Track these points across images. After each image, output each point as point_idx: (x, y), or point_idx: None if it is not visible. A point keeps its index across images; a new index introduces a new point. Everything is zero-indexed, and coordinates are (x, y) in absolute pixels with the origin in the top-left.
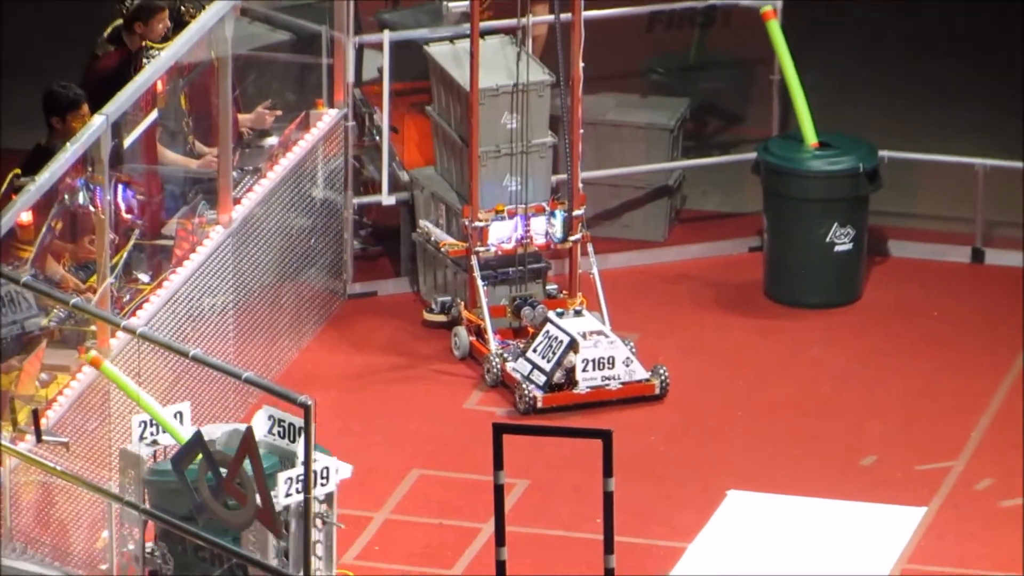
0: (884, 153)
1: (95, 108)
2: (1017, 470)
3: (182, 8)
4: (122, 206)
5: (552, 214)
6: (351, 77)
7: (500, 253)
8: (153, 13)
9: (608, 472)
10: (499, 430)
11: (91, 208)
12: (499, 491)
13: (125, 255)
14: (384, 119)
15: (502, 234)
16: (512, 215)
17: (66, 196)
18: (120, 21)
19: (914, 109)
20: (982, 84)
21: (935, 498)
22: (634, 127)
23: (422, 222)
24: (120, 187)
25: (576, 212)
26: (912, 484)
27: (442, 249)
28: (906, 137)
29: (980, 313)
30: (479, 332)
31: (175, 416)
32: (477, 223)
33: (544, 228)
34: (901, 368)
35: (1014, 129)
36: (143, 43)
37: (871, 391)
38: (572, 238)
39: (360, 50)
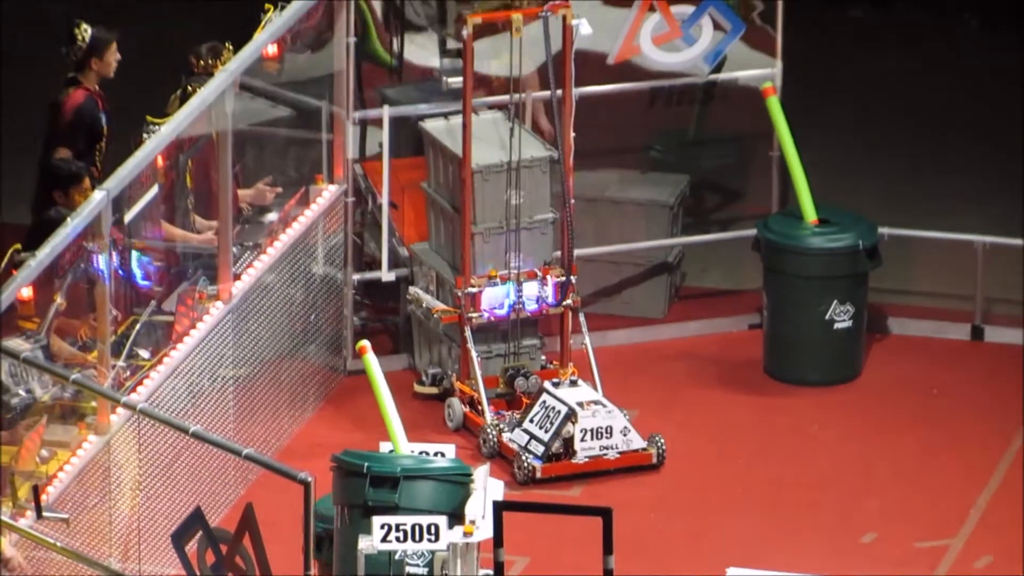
0: (884, 230)
1: (71, 145)
2: (1016, 548)
3: (188, 87)
4: (138, 273)
5: (544, 279)
6: (351, 153)
7: (493, 319)
8: (106, 45)
9: (608, 550)
10: (499, 507)
11: (100, 272)
12: (499, 568)
13: (135, 332)
14: (384, 194)
15: (495, 300)
16: (505, 280)
17: (81, 264)
18: (71, 72)
19: (913, 183)
20: (980, 159)
21: None
22: (634, 204)
23: (412, 288)
24: (134, 254)
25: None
26: (911, 561)
27: (434, 315)
28: (905, 211)
29: (980, 390)
30: (472, 403)
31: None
32: (470, 289)
33: (536, 293)
34: (900, 444)
35: (1013, 205)
36: (97, 85)
37: (870, 467)
38: (565, 302)
39: (363, 125)
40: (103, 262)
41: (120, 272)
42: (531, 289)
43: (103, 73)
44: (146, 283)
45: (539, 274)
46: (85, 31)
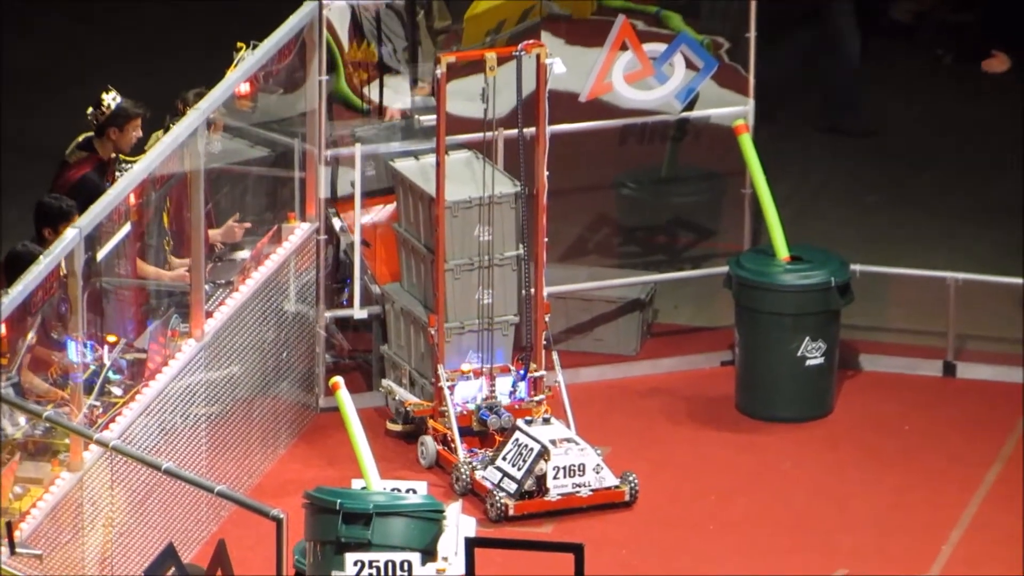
0: (856, 267)
1: None
2: None
3: (170, 125)
4: (110, 372)
5: (518, 373)
6: (323, 191)
7: (466, 413)
8: (128, 119)
9: None
10: (471, 544)
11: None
12: None
13: (107, 369)
14: (356, 232)
15: (467, 394)
16: (477, 376)
17: (52, 306)
18: (90, 132)
19: (884, 220)
20: (952, 195)
21: None
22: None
23: (385, 382)
24: (105, 348)
25: (538, 373)
26: None
27: (407, 408)
28: (877, 248)
29: (952, 427)
30: (445, 441)
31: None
32: (443, 384)
33: (509, 388)
34: (873, 481)
35: (985, 241)
36: (114, 153)
37: (843, 505)
38: (536, 398)
39: (335, 164)
40: (75, 351)
41: (95, 378)
42: (504, 384)
43: (120, 146)
44: (117, 376)
45: (512, 369)
46: (114, 99)
